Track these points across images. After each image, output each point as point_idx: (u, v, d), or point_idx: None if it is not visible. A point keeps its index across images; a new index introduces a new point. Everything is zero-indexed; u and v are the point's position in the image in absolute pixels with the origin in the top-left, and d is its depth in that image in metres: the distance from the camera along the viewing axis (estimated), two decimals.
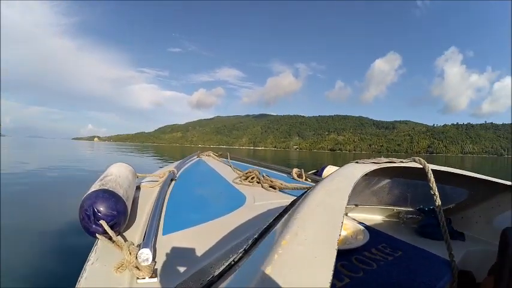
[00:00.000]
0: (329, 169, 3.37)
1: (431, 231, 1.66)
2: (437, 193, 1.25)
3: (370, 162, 1.16)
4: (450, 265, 1.30)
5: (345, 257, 1.32)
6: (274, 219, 0.94)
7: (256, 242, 0.86)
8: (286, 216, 0.81)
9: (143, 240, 1.14)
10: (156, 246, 1.18)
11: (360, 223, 1.77)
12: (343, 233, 1.56)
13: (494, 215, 1.62)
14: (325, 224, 0.66)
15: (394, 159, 1.25)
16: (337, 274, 1.17)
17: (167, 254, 1.15)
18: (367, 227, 1.71)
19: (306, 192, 0.94)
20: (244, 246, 0.85)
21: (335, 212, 0.71)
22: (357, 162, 1.15)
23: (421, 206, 1.87)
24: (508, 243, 1.19)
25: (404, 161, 1.28)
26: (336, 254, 0.56)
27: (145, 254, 1.00)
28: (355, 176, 0.95)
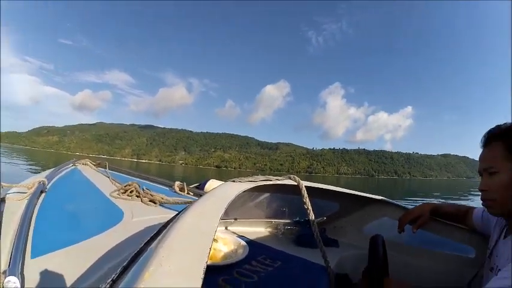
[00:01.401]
0: (211, 183, 3.35)
1: (308, 240, 1.74)
2: (310, 207, 1.34)
3: (246, 180, 1.16)
4: (326, 270, 1.39)
5: (226, 271, 1.31)
6: (144, 244, 0.88)
7: (125, 270, 0.77)
8: (155, 242, 0.77)
9: (9, 265, 1.02)
10: (25, 272, 1.04)
11: (240, 236, 1.77)
12: (224, 248, 1.53)
13: (364, 224, 1.79)
14: (193, 251, 0.62)
15: (271, 177, 1.29)
16: None
17: (37, 281, 1.03)
18: (247, 240, 1.73)
19: (178, 213, 0.91)
20: (113, 276, 0.75)
21: (204, 236, 0.68)
22: (234, 181, 1.14)
23: (297, 218, 1.96)
24: (376, 247, 1.30)
25: (280, 178, 1.34)
26: (201, 283, 0.54)
27: (12, 282, 0.90)
28: (230, 195, 0.93)
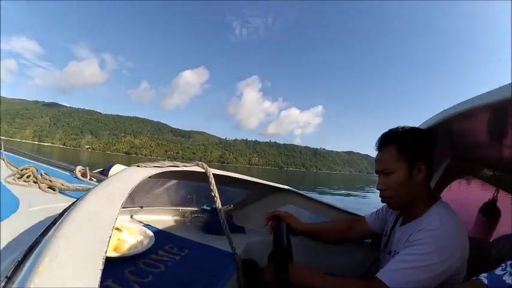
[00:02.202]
0: (116, 168, 3.13)
1: (215, 228, 1.76)
2: (217, 194, 1.35)
3: (152, 166, 1.12)
4: (233, 256, 1.43)
5: (132, 263, 1.25)
6: (40, 235, 0.82)
7: (19, 265, 0.71)
8: (50, 232, 0.70)
9: None
10: None
11: (146, 225, 1.71)
12: (129, 238, 1.45)
13: (270, 211, 1.83)
14: (91, 240, 0.60)
15: (178, 163, 1.28)
16: (125, 282, 1.10)
17: None
18: (153, 229, 1.67)
19: (77, 200, 0.84)
20: (7, 273, 0.68)
21: (104, 224, 0.66)
22: (139, 166, 1.10)
23: (205, 206, 1.97)
24: (280, 234, 1.36)
25: (187, 165, 1.33)
26: (100, 274, 0.52)
27: None
28: (134, 181, 0.89)
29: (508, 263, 1.02)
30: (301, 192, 2.05)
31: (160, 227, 1.75)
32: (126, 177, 0.91)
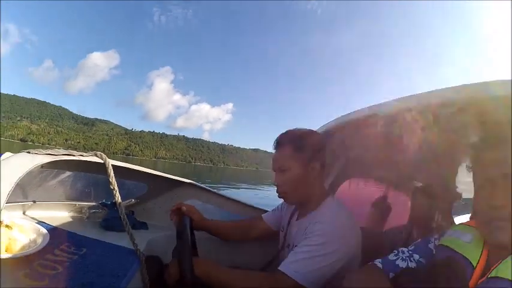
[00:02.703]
0: (6, 156, 2.83)
1: (115, 224, 1.66)
2: (116, 187, 1.31)
3: (44, 153, 1.03)
4: (136, 253, 1.36)
5: (26, 264, 1.11)
6: None
7: None
8: None
9: None
10: None
11: (40, 222, 1.55)
12: (21, 236, 1.29)
13: (173, 206, 1.78)
14: None
15: (74, 152, 1.20)
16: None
17: None
18: (48, 227, 1.51)
19: None
20: None
21: None
22: (29, 153, 0.99)
23: (104, 200, 1.85)
24: (184, 228, 1.33)
25: (85, 154, 1.25)
26: None
27: None
28: (23, 168, 0.80)
29: (400, 249, 1.15)
30: (205, 186, 2.05)
31: (55, 224, 1.60)
32: (13, 166, 0.81)
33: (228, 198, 2.08)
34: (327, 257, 1.28)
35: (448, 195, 2.94)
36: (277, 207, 1.83)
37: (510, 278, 0.77)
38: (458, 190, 2.82)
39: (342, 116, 1.33)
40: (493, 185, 0.86)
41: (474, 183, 0.97)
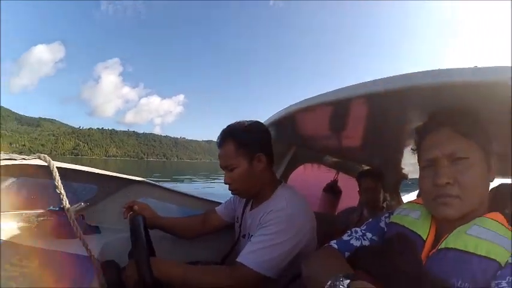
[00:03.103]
0: None
1: (65, 230, 1.59)
2: (63, 191, 1.24)
3: None
4: (90, 260, 1.29)
5: None
6: None
7: None
8: None
9: None
10: None
11: None
12: None
13: (120, 205, 1.73)
14: None
15: (16, 156, 1.13)
16: None
17: None
18: None
19: None
20: None
21: None
22: None
23: (52, 207, 1.77)
24: (137, 229, 1.31)
25: (27, 158, 1.18)
26: None
27: None
28: None
29: (353, 229, 1.20)
30: (157, 183, 2.00)
31: (3, 237, 1.52)
32: None
33: (183, 194, 2.05)
34: (283, 244, 1.31)
35: (395, 176, 3.11)
36: (230, 199, 1.84)
37: (458, 248, 0.86)
38: (404, 171, 3.02)
39: (292, 104, 1.36)
40: (436, 165, 0.94)
41: (419, 164, 1.05)
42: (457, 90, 0.89)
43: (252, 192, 1.54)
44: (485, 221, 0.90)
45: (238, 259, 1.32)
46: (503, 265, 0.80)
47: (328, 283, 0.79)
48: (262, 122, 1.62)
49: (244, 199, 1.68)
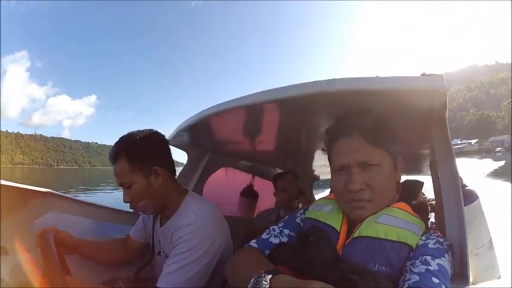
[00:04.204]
0: None
1: None
2: None
3: None
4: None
5: None
6: None
7: None
8: None
9: None
10: None
11: None
12: None
13: (30, 222, 1.57)
14: None
15: None
16: None
17: None
18: None
19: None
20: None
21: None
22: None
23: None
24: (47, 245, 1.24)
25: None
26: None
27: None
28: None
29: (271, 228, 1.24)
30: (65, 194, 1.80)
31: None
32: None
33: (94, 205, 1.85)
34: (200, 259, 1.30)
35: (308, 178, 3.25)
36: (139, 219, 1.75)
37: (370, 235, 0.95)
38: (316, 173, 3.19)
39: (205, 109, 1.34)
40: (348, 171, 1.02)
41: (331, 166, 1.12)
42: (363, 97, 0.98)
43: (155, 207, 1.47)
44: (392, 210, 1.01)
45: (158, 283, 1.28)
46: (414, 247, 0.92)
47: (252, 281, 0.80)
48: (156, 130, 1.53)
49: (157, 216, 1.60)
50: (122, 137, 1.45)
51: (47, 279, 1.16)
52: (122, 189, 1.41)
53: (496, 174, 20.97)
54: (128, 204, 1.43)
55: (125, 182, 1.38)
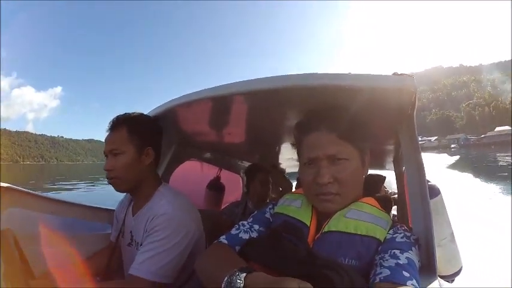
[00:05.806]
0: None
1: None
2: None
3: None
4: None
5: None
6: None
7: None
8: None
9: None
10: None
11: None
12: None
13: None
14: None
15: None
16: None
17: None
18: None
19: None
20: None
21: None
22: None
23: None
24: (6, 246, 1.17)
25: None
26: None
27: None
28: None
29: (240, 223, 1.24)
30: (27, 190, 1.65)
31: None
32: None
33: (60, 201, 1.68)
34: (174, 248, 1.31)
35: (275, 171, 3.27)
36: (114, 220, 1.70)
37: (340, 230, 0.98)
38: (282, 166, 3.22)
39: (172, 99, 1.32)
40: (317, 164, 1.03)
41: (299, 160, 1.13)
42: (332, 93, 0.99)
43: (130, 185, 1.45)
44: (360, 205, 1.03)
45: (131, 271, 1.27)
46: (382, 241, 0.94)
47: (225, 279, 0.79)
48: None
49: (124, 204, 1.61)
50: (125, 113, 1.49)
51: (8, 282, 1.11)
52: (108, 157, 1.41)
53: (452, 166, 24.49)
54: (106, 174, 1.41)
55: (117, 148, 1.39)
